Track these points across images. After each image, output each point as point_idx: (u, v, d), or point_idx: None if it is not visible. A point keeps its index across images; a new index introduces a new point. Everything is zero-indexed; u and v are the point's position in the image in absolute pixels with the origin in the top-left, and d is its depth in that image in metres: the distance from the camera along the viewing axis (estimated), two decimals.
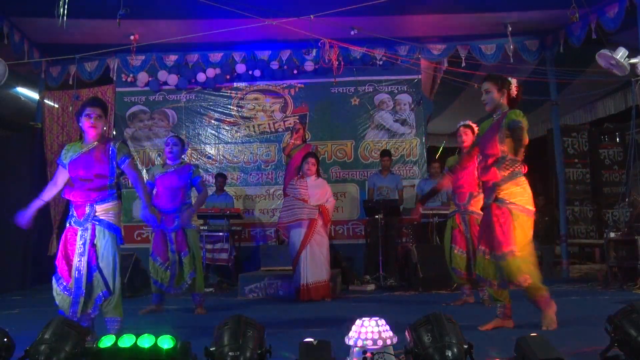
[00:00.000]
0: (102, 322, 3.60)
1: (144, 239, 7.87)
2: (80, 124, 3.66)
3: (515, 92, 3.85)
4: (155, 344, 2.42)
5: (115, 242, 3.56)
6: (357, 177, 8.26)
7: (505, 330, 3.62)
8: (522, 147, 3.65)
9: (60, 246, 3.55)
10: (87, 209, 3.51)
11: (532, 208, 3.71)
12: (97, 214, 3.51)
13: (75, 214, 3.55)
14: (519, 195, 3.69)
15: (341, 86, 8.32)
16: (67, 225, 3.58)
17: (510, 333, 3.44)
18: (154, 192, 5.19)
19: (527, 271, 3.61)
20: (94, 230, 3.49)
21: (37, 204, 3.65)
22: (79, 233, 3.50)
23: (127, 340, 2.43)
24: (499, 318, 3.75)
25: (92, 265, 3.47)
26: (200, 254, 5.33)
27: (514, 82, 3.87)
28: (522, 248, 3.63)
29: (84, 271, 3.44)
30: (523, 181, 3.74)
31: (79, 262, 3.45)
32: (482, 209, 3.96)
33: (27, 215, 3.63)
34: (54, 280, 3.49)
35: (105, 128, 3.76)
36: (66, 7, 5.45)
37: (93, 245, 3.48)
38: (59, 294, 3.46)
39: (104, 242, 3.50)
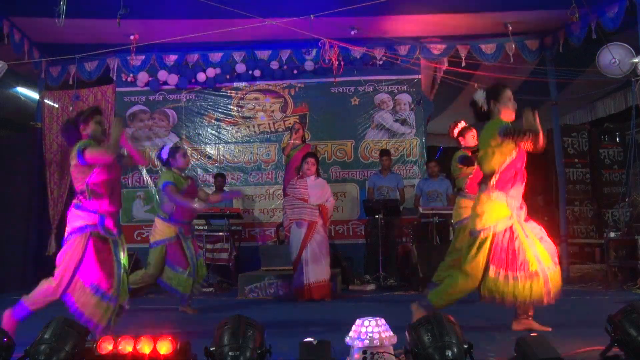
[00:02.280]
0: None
1: (144, 239, 7.85)
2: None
3: None
4: (155, 349, 2.43)
5: None
6: (357, 177, 8.26)
7: (505, 330, 3.61)
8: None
9: (94, 254, 3.40)
10: (119, 217, 3.61)
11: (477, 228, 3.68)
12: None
13: (105, 223, 3.46)
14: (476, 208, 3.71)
15: (341, 86, 8.32)
16: (90, 232, 3.43)
17: (510, 333, 3.44)
18: (174, 206, 5.13)
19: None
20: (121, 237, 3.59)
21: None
22: (111, 241, 3.49)
23: (126, 345, 2.44)
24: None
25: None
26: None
27: None
28: None
29: (124, 280, 3.51)
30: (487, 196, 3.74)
31: (119, 270, 3.47)
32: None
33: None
34: (90, 291, 3.36)
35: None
36: (65, 7, 5.45)
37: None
38: (102, 305, 3.36)
39: (125, 248, 3.60)
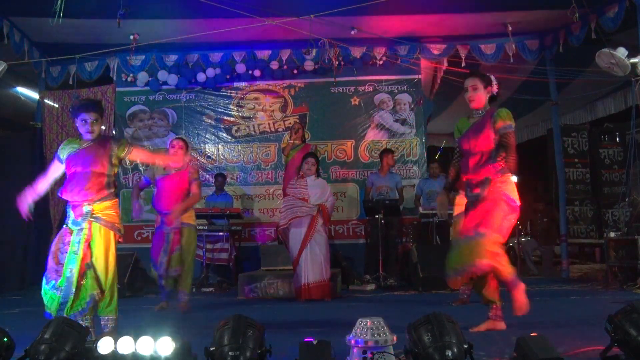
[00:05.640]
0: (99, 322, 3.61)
1: (144, 238, 7.87)
2: (76, 125, 3.67)
3: (496, 90, 3.93)
4: (155, 351, 2.43)
5: (113, 241, 3.54)
6: (357, 177, 8.26)
7: (505, 330, 3.61)
8: (511, 153, 3.62)
9: (52, 245, 3.53)
10: (85, 209, 3.48)
11: (518, 203, 3.66)
12: (95, 213, 3.49)
13: (72, 214, 3.52)
14: (509, 188, 3.65)
15: (341, 86, 8.32)
16: (64, 226, 3.56)
17: (510, 333, 3.44)
18: (154, 193, 5.33)
19: (490, 256, 3.51)
20: (90, 229, 3.47)
21: (31, 194, 3.69)
22: (74, 232, 3.48)
23: (126, 346, 2.44)
24: (491, 320, 3.71)
25: (86, 264, 3.43)
26: (193, 254, 5.33)
27: (493, 79, 3.95)
28: (495, 234, 3.56)
29: (75, 270, 3.40)
30: (510, 177, 3.71)
31: (72, 260, 3.41)
32: (469, 204, 3.83)
33: (24, 204, 3.64)
34: (43, 280, 3.45)
35: (103, 127, 3.75)
36: (63, 6, 5.45)
37: (89, 244, 3.46)
38: (47, 292, 3.41)
39: (100, 240, 3.48)
